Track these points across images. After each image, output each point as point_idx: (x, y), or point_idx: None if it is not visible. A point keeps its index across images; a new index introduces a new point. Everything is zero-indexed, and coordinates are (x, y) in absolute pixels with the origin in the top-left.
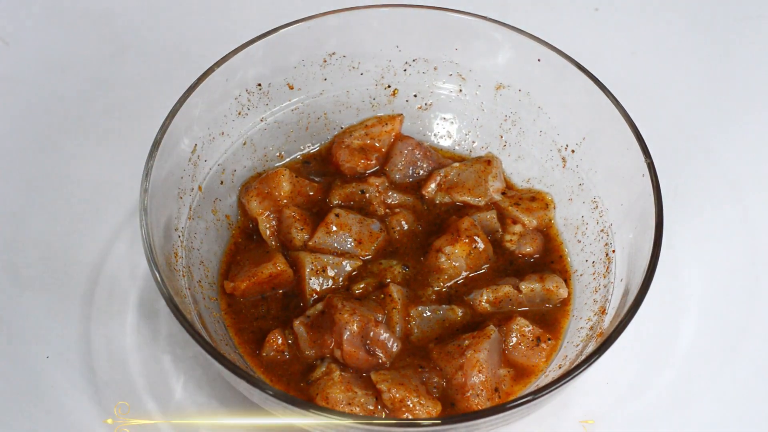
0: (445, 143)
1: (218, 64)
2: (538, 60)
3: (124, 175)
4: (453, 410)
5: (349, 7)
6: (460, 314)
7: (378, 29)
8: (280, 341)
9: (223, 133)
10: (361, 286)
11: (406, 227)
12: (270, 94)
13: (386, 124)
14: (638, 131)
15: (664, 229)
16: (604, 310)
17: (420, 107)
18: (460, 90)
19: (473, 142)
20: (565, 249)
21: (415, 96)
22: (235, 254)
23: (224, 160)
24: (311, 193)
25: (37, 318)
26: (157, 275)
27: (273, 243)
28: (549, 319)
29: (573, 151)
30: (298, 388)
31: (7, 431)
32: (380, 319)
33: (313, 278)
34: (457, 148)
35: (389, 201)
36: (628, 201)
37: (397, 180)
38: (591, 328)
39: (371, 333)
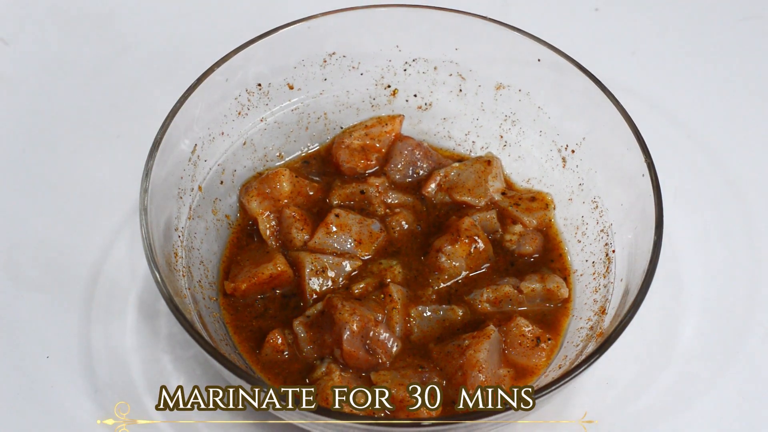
0: (445, 143)
1: (218, 64)
2: (538, 60)
3: (124, 175)
4: (453, 410)
5: (349, 7)
6: (461, 314)
7: (378, 29)
8: (279, 341)
9: (223, 133)
10: (361, 286)
11: (406, 227)
12: (270, 94)
13: (386, 124)
14: (638, 131)
15: (664, 229)
16: (604, 310)
17: (420, 107)
18: (460, 90)
19: (473, 142)
20: (564, 248)
21: (415, 96)
22: (235, 254)
23: (224, 160)
24: (311, 193)
25: (37, 318)
26: (157, 275)
27: (273, 243)
28: (549, 319)
29: (573, 151)
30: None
31: (7, 431)
32: (380, 319)
33: (313, 278)
34: (457, 148)
35: (389, 201)
36: (628, 201)
37: (397, 180)
38: (591, 328)
39: (371, 333)
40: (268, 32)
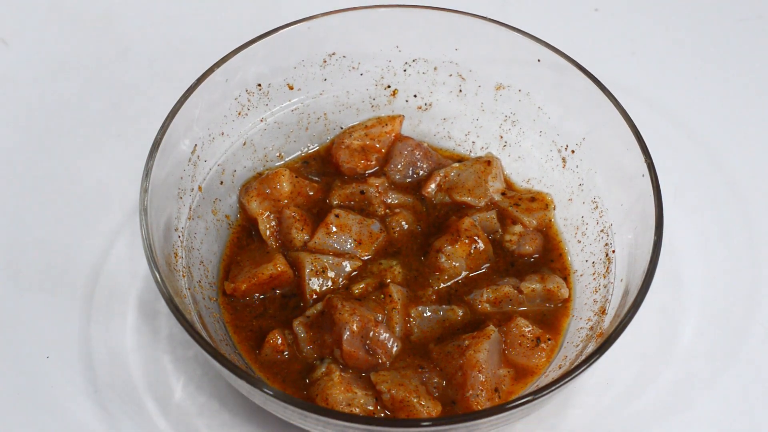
0: (445, 143)
1: (218, 64)
2: (538, 60)
3: (124, 175)
4: (453, 410)
5: (349, 7)
6: (461, 314)
7: (378, 29)
8: (279, 341)
9: (223, 134)
10: (361, 286)
11: (406, 227)
12: (270, 94)
13: (386, 124)
14: (638, 131)
15: (664, 229)
16: (604, 310)
17: (420, 107)
18: (460, 90)
19: (473, 142)
20: (564, 248)
21: (415, 96)
22: (235, 254)
23: (224, 161)
24: (311, 194)
25: (37, 318)
26: (157, 275)
27: (273, 243)
28: (549, 319)
29: (573, 151)
30: (298, 388)
31: (7, 431)
32: (380, 319)
33: (313, 279)
34: (457, 148)
35: (389, 201)
36: (628, 201)
37: (397, 180)
38: (591, 328)
39: (371, 333)
40: (268, 32)
